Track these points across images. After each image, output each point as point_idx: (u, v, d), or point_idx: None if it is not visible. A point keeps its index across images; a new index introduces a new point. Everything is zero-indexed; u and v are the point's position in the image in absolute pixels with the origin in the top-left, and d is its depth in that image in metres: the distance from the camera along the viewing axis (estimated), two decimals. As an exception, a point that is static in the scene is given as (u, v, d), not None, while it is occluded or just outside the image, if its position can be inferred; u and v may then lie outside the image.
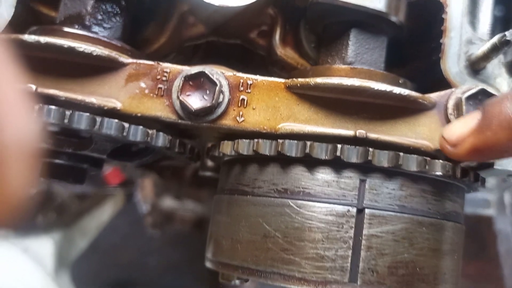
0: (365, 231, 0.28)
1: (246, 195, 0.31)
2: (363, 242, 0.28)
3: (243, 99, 0.31)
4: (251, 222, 0.30)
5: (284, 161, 0.30)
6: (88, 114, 0.29)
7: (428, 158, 0.28)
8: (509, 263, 1.33)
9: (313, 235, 0.28)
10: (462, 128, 0.26)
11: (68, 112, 0.28)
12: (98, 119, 0.29)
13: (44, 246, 1.17)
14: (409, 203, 0.29)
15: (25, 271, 1.12)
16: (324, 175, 0.29)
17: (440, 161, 0.29)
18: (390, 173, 0.29)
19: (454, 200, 0.31)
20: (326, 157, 0.28)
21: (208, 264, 0.34)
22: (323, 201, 0.29)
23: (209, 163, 0.40)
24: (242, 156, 0.31)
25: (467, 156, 0.26)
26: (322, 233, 0.28)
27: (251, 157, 0.31)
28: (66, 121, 0.28)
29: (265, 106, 0.31)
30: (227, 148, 0.31)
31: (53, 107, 0.28)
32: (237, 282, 0.34)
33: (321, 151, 0.28)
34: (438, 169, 0.28)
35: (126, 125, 0.30)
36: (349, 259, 0.28)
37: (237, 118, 0.31)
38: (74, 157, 0.34)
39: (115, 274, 1.62)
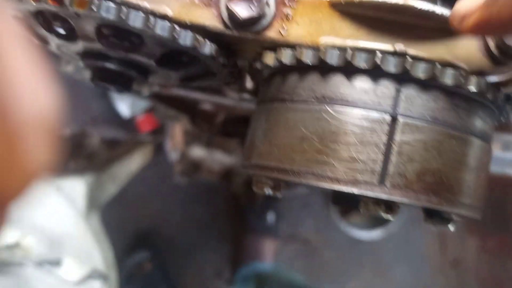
0: (397, 138, 0.29)
1: (285, 102, 0.33)
2: (395, 148, 0.29)
3: (287, 14, 0.33)
4: (289, 126, 0.32)
5: (324, 70, 0.31)
6: (143, 14, 0.31)
7: (463, 73, 0.30)
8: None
9: (348, 139, 0.30)
10: (471, 3, 0.27)
11: (125, 10, 0.30)
12: (152, 19, 0.31)
13: (76, 187, 1.22)
14: (441, 115, 0.30)
15: (58, 209, 1.17)
16: (362, 83, 0.30)
17: (475, 77, 0.30)
18: (426, 85, 0.30)
19: (484, 120, 0.32)
20: (366, 66, 0.29)
21: (245, 170, 0.36)
22: (359, 108, 0.30)
23: (248, 84, 0.42)
24: (284, 66, 0.32)
25: (472, 30, 0.27)
26: (356, 137, 0.30)
27: (292, 67, 0.32)
28: (123, 17, 0.30)
29: (308, 21, 0.33)
30: (270, 58, 0.33)
31: (111, 3, 0.30)
32: (270, 191, 0.36)
33: (360, 60, 0.29)
34: (472, 84, 0.30)
35: (178, 28, 0.32)
36: (380, 163, 0.29)
37: (281, 31, 0.33)
38: (124, 63, 0.36)
39: (139, 224, 1.67)
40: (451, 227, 0.35)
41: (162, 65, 0.36)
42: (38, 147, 0.18)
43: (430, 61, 0.30)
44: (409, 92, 0.30)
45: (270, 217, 1.64)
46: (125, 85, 0.38)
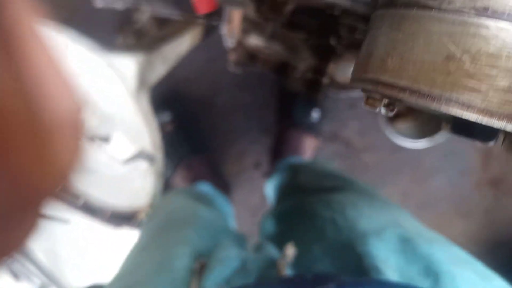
0: None
1: (430, 10, 0.27)
2: None
3: None
4: (432, 40, 0.27)
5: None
6: None
7: None
8: None
9: (510, 65, 0.24)
10: None
11: None
12: None
13: (128, 65, 1.20)
14: None
15: (110, 85, 1.16)
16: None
17: None
18: None
19: None
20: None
21: (360, 84, 0.32)
22: (532, 28, 0.24)
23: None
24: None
25: None
26: (520, 64, 0.24)
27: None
28: None
29: None
30: None
31: None
32: (382, 110, 0.32)
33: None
34: None
35: None
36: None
37: None
38: None
39: (183, 106, 1.67)
40: None
41: None
42: (67, 146, 0.18)
43: None
44: None
45: (315, 114, 1.61)
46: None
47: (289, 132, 1.60)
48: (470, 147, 1.70)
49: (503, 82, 0.24)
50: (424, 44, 0.27)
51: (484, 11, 0.25)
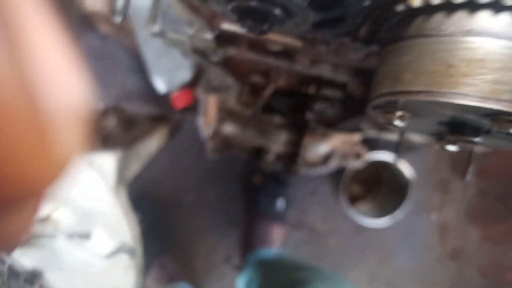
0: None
1: (431, 36, 0.38)
2: (534, 72, 0.35)
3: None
4: (436, 57, 0.37)
5: (472, 7, 0.37)
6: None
7: None
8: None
9: (493, 64, 0.36)
10: None
11: None
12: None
13: (107, 162, 1.25)
14: None
15: (90, 182, 1.20)
16: (506, 17, 0.36)
17: None
18: None
19: None
20: (510, 3, 0.35)
21: (380, 100, 0.42)
22: (503, 39, 0.36)
23: (362, 32, 0.47)
24: (428, 7, 0.38)
25: None
26: (501, 63, 0.35)
27: (438, 6, 0.38)
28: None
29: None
30: (416, 0, 0.39)
31: None
32: (397, 122, 0.41)
33: (507, -3, 0.35)
34: None
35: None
36: (521, 85, 0.35)
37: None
38: (270, 1, 0.41)
39: (151, 206, 1.70)
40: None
41: (310, 6, 0.41)
42: (69, 137, 0.18)
43: None
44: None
45: (280, 203, 1.69)
46: (270, 25, 0.43)
47: (257, 222, 1.66)
48: (427, 223, 1.81)
49: (490, 77, 0.35)
50: (430, 60, 0.38)
51: (470, 32, 0.37)
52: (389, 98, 0.40)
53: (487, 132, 0.43)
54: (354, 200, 1.70)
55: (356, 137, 1.19)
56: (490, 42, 0.36)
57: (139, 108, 1.27)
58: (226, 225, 1.76)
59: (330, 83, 0.77)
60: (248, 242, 1.67)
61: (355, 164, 1.36)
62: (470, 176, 1.00)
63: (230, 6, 0.43)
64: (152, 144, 1.51)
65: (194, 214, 1.76)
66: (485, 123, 0.40)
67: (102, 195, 1.18)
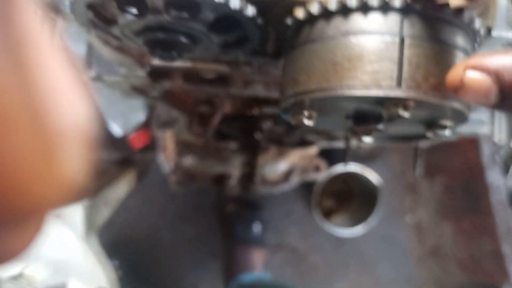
0: (406, 53, 0.40)
1: (316, 42, 0.43)
2: (405, 60, 0.40)
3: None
4: (322, 58, 0.42)
5: (345, 12, 0.42)
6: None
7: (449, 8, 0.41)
8: (501, 213, 1.46)
9: (371, 57, 0.40)
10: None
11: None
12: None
13: (75, 212, 1.26)
14: (437, 35, 0.41)
15: (59, 235, 1.21)
16: (376, 16, 0.41)
17: (460, 10, 0.41)
18: (425, 16, 0.41)
19: (465, 41, 0.44)
20: (376, 5, 0.40)
21: (286, 102, 0.46)
22: (376, 34, 0.41)
23: (269, 48, 0.52)
24: (311, 16, 0.43)
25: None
26: (376, 55, 0.40)
27: (318, 16, 0.43)
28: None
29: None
30: (299, 12, 0.43)
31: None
32: (306, 121, 0.45)
33: (373, 0, 0.40)
34: (457, 15, 0.41)
35: (228, -7, 0.41)
36: (396, 71, 0.40)
37: (306, -8, 0.43)
38: (178, 32, 0.45)
39: (128, 251, 1.70)
40: (448, 133, 0.45)
41: (211, 30, 0.45)
42: (74, 157, 0.18)
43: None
44: (411, 20, 0.41)
45: (256, 227, 1.71)
46: (178, 52, 0.47)
47: (235, 250, 1.68)
48: (403, 226, 1.85)
49: (368, 68, 0.40)
50: (318, 61, 0.42)
51: (347, 33, 0.41)
52: (291, 99, 0.44)
53: (391, 120, 0.47)
54: (328, 214, 1.73)
55: (313, 150, 1.24)
56: (365, 39, 0.41)
57: (100, 154, 1.29)
58: (207, 258, 1.77)
59: (268, 101, 0.81)
60: (230, 271, 1.68)
61: (318, 177, 1.40)
62: (419, 170, 1.04)
63: (140, 41, 0.47)
64: (120, 188, 1.53)
65: (174, 253, 1.76)
66: (382, 110, 0.44)
67: (72, 245, 1.19)
